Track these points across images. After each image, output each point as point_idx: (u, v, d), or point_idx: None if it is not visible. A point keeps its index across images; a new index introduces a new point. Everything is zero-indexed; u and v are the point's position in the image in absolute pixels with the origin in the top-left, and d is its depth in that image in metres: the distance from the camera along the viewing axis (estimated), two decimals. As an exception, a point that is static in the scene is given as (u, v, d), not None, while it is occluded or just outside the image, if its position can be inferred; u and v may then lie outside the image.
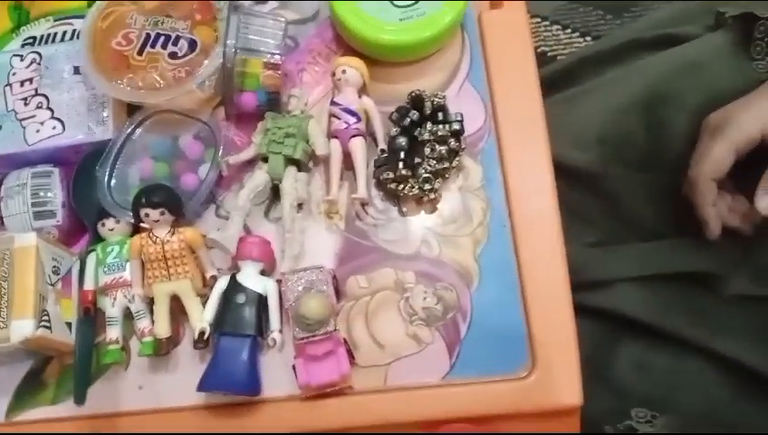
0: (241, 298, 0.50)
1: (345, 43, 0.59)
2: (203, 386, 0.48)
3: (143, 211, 0.48)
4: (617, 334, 0.61)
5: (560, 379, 0.49)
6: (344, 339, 0.50)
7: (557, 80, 0.75)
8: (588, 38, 1.07)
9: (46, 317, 0.48)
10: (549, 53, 1.07)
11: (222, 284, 0.51)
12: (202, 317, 0.50)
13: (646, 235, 0.63)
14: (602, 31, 1.08)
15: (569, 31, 1.08)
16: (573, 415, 0.50)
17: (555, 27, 1.08)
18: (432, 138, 0.52)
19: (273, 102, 0.55)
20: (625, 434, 0.60)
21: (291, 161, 0.53)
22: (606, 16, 1.08)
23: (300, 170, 0.54)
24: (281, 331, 0.51)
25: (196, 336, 0.49)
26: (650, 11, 1.07)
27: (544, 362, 0.50)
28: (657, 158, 0.61)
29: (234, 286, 0.50)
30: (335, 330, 0.49)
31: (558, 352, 0.50)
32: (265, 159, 0.54)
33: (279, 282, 0.51)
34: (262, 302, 0.50)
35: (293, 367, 0.49)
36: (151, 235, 0.49)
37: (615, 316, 0.61)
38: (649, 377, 0.60)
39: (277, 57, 0.54)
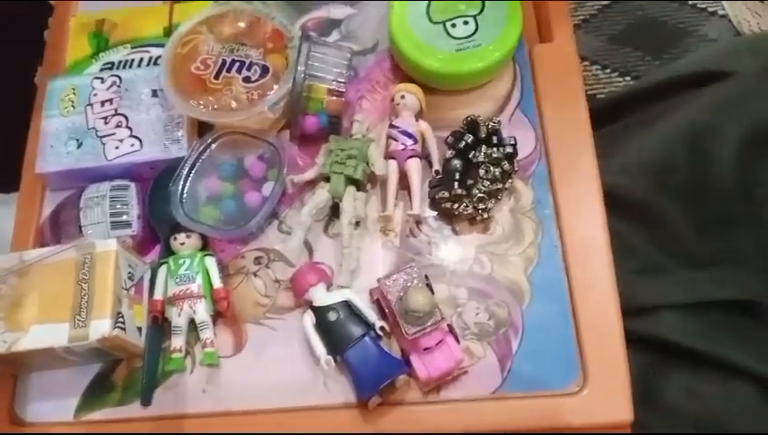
0: (332, 316, 0.52)
1: (402, 73, 0.62)
2: (363, 393, 0.50)
3: None
4: (664, 361, 0.62)
5: (610, 395, 0.50)
6: (448, 325, 0.52)
7: (598, 118, 0.77)
8: (627, 78, 1.09)
9: (121, 319, 0.51)
10: (588, 92, 1.09)
11: (309, 320, 0.52)
12: (320, 354, 0.51)
13: (689, 263, 0.63)
14: (641, 71, 1.10)
15: (608, 71, 1.11)
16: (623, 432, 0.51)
17: (595, 67, 1.12)
18: (486, 160, 0.54)
19: (334, 126, 0.59)
20: None
21: (351, 181, 0.56)
22: (645, 57, 1.11)
23: (358, 190, 0.57)
24: (380, 319, 0.52)
25: (326, 367, 0.51)
26: (689, 52, 1.10)
27: (595, 378, 0.51)
28: (702, 188, 0.62)
29: (319, 313, 0.52)
30: (442, 318, 0.50)
31: (608, 368, 0.51)
32: (327, 179, 0.57)
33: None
34: (350, 306, 0.52)
35: (408, 363, 0.50)
36: None
37: (661, 343, 0.62)
38: (699, 403, 0.60)
39: (342, 84, 0.57)
